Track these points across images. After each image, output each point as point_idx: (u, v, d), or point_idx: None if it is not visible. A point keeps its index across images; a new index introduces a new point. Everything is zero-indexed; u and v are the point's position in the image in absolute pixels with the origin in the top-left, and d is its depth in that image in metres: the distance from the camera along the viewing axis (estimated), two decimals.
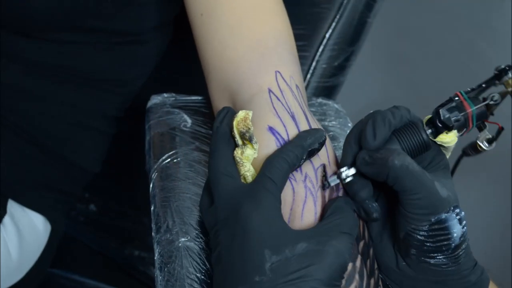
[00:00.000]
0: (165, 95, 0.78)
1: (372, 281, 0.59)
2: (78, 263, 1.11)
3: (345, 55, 0.96)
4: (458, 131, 0.59)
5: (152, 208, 0.66)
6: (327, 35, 0.94)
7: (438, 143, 0.59)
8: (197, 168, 0.69)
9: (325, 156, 0.62)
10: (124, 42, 0.85)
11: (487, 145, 0.62)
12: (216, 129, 0.60)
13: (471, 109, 0.58)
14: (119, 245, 1.11)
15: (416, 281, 0.58)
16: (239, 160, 0.59)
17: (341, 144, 0.78)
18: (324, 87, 0.96)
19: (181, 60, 1.00)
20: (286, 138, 0.61)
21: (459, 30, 1.35)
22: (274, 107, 0.63)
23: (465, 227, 0.56)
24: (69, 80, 0.87)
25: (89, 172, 0.95)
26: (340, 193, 0.61)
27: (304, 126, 0.62)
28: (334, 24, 0.94)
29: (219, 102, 0.69)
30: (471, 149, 0.64)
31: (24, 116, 0.87)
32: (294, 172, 0.59)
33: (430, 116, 0.59)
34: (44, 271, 0.95)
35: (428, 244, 0.56)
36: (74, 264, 1.10)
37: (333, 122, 0.81)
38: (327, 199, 0.60)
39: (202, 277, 0.59)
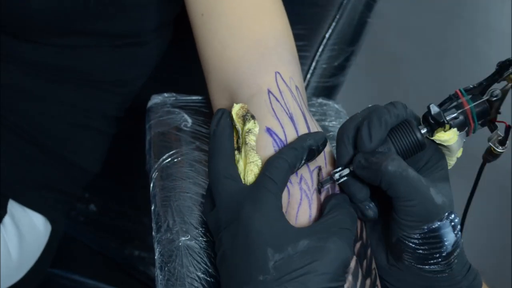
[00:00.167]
0: (166, 94, 0.78)
1: (368, 281, 0.59)
2: (78, 263, 1.11)
3: (345, 55, 0.96)
4: (459, 130, 0.57)
5: (152, 208, 0.66)
6: (327, 35, 0.94)
7: (437, 141, 0.58)
8: (198, 167, 0.69)
9: (321, 158, 0.62)
10: (125, 44, 0.85)
11: (500, 147, 0.59)
12: (213, 131, 0.60)
13: (469, 105, 0.57)
14: (119, 245, 1.11)
15: (408, 284, 0.58)
16: (253, 144, 0.58)
17: None
18: (324, 87, 0.96)
19: (181, 60, 1.00)
20: (283, 139, 0.61)
21: (459, 30, 1.35)
22: (272, 108, 0.63)
23: (458, 233, 0.56)
24: (69, 80, 0.87)
25: (89, 172, 0.95)
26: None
27: (302, 128, 0.62)
28: (334, 24, 0.94)
29: (219, 102, 0.69)
30: (489, 154, 0.61)
31: (24, 116, 0.87)
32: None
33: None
34: (44, 271, 0.95)
35: (419, 251, 0.55)
36: (74, 264, 1.10)
37: (333, 122, 0.81)
38: (322, 201, 0.60)
39: (203, 276, 0.59)
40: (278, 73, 0.65)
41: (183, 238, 0.61)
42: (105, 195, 1.12)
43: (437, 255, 0.55)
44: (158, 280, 0.59)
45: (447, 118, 0.57)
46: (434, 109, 0.57)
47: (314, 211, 0.59)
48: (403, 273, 0.57)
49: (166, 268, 0.59)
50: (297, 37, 0.73)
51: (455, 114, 0.57)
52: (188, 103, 0.77)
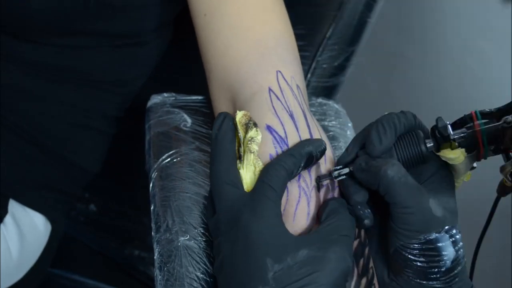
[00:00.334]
0: (165, 94, 0.78)
1: (364, 280, 0.59)
2: (78, 263, 1.11)
3: (345, 55, 0.96)
4: (468, 151, 0.55)
5: (152, 208, 0.66)
6: (327, 35, 0.94)
7: (442, 158, 0.56)
8: (197, 167, 0.69)
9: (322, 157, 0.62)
10: (125, 44, 0.85)
11: (511, 179, 0.55)
12: (215, 136, 0.60)
13: (480, 127, 0.54)
14: (119, 245, 1.11)
15: None
16: (255, 151, 0.59)
17: (341, 144, 0.78)
18: (324, 87, 0.96)
19: (181, 60, 1.00)
20: (284, 136, 0.61)
21: (459, 30, 1.35)
22: (273, 106, 0.63)
23: (460, 250, 0.54)
24: (69, 80, 0.87)
25: (89, 172, 0.94)
26: (336, 194, 0.61)
27: (302, 126, 0.62)
28: (334, 24, 0.93)
29: (220, 102, 0.69)
30: (501, 188, 0.57)
31: (24, 116, 0.87)
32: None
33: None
34: (44, 271, 0.95)
35: (417, 263, 0.54)
36: (74, 264, 1.10)
37: (333, 122, 0.81)
38: (321, 200, 0.60)
39: (202, 276, 0.59)
40: (280, 72, 0.65)
41: (182, 238, 0.61)
42: (105, 195, 1.12)
43: (436, 270, 0.54)
44: (157, 280, 0.59)
45: (455, 136, 0.55)
46: (441, 123, 0.55)
47: (312, 209, 0.59)
48: (399, 287, 0.56)
49: (165, 268, 0.59)
50: (297, 37, 0.73)
51: (464, 134, 0.54)
52: (187, 103, 0.77)
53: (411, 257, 0.54)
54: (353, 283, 0.58)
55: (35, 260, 0.91)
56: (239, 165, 0.59)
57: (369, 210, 0.57)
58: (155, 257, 0.61)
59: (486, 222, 0.63)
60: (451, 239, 0.54)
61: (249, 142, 0.59)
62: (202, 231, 0.63)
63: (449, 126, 0.55)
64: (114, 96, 0.91)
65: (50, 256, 0.94)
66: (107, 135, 0.95)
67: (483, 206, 0.67)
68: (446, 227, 0.54)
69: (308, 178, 0.60)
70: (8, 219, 0.86)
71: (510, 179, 0.55)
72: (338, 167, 0.58)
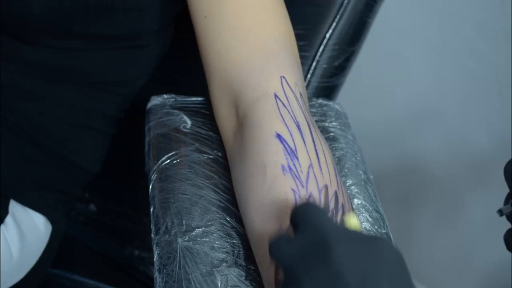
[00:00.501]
0: (165, 96, 0.78)
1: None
2: (78, 263, 1.11)
3: (345, 55, 0.96)
4: None
5: (151, 210, 0.66)
6: (327, 35, 0.94)
7: None
8: (197, 169, 0.69)
9: (327, 174, 0.61)
10: (125, 46, 0.85)
11: None
12: None
13: None
14: (119, 245, 1.11)
15: None
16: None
17: (342, 145, 0.78)
18: (324, 87, 0.96)
19: (181, 60, 1.00)
20: (294, 148, 0.60)
21: (459, 30, 1.35)
22: (281, 114, 0.63)
23: None
24: (69, 81, 0.87)
25: (89, 172, 0.95)
26: (339, 216, 0.60)
27: (308, 140, 0.62)
28: (334, 24, 0.93)
29: (221, 105, 0.69)
30: None
31: (24, 116, 0.87)
32: (300, 188, 0.59)
33: None
34: (45, 271, 0.95)
35: None
36: (74, 264, 1.10)
37: (334, 123, 0.81)
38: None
39: (201, 277, 0.59)
40: (284, 77, 0.65)
41: (181, 240, 0.61)
42: (105, 195, 1.12)
43: None
44: (156, 282, 0.59)
45: None
46: None
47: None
48: None
49: (164, 271, 0.59)
50: (297, 37, 0.73)
51: None
52: (187, 105, 0.77)
53: None
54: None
55: (36, 261, 0.91)
56: None
57: None
58: (154, 259, 0.61)
59: None
60: None
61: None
62: (201, 232, 0.63)
63: None
64: (114, 96, 0.91)
65: (50, 256, 0.95)
66: (107, 135, 0.95)
67: None
68: None
69: (317, 198, 0.59)
70: (9, 219, 0.86)
71: None
72: None
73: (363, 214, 0.72)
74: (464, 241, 1.52)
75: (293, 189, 0.59)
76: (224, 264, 0.61)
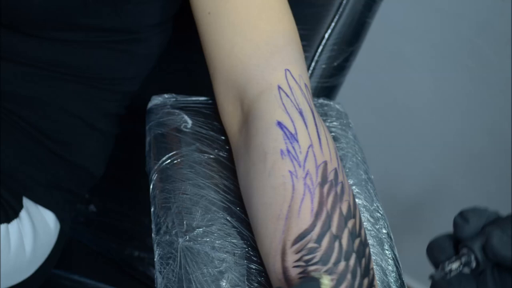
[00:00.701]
0: (166, 95, 0.78)
1: (365, 281, 0.59)
2: (78, 263, 1.11)
3: (344, 56, 0.96)
4: None
5: (152, 209, 0.66)
6: (326, 35, 0.94)
7: None
8: (198, 169, 0.69)
9: (327, 153, 0.62)
10: (124, 40, 0.85)
11: None
12: None
13: None
14: (119, 245, 1.11)
15: None
16: None
17: (342, 145, 0.78)
18: (323, 88, 0.96)
19: (181, 60, 1.00)
20: (294, 132, 0.61)
21: (459, 30, 1.35)
22: (283, 103, 0.64)
23: None
24: (68, 79, 0.87)
25: (94, 174, 0.95)
26: (338, 189, 0.61)
27: (311, 124, 0.63)
28: (333, 24, 0.93)
29: (227, 100, 0.70)
30: None
31: (27, 121, 0.87)
32: (297, 168, 0.60)
33: None
34: (50, 270, 0.95)
35: None
36: (74, 264, 1.10)
37: (334, 123, 0.81)
38: (324, 196, 0.60)
39: (201, 278, 0.59)
40: (288, 70, 0.66)
41: (182, 240, 0.61)
42: (105, 195, 1.12)
43: None
44: (157, 282, 0.59)
45: None
46: None
47: (315, 206, 0.59)
48: None
49: (165, 271, 0.59)
50: None
51: None
52: (188, 104, 0.77)
53: None
54: (356, 283, 0.58)
55: (45, 258, 0.91)
56: None
57: None
58: (155, 259, 0.61)
59: None
60: None
61: None
62: (202, 232, 0.63)
63: None
64: (113, 94, 0.91)
65: (57, 255, 0.94)
66: (108, 135, 0.95)
67: None
68: None
69: (314, 175, 0.60)
70: (23, 214, 0.86)
71: None
72: (451, 260, 0.53)
73: (364, 214, 0.72)
74: None
75: (290, 171, 0.60)
76: (225, 264, 0.61)
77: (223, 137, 0.73)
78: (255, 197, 0.63)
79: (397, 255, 0.70)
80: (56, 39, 0.83)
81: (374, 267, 0.67)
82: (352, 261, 0.58)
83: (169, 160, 0.69)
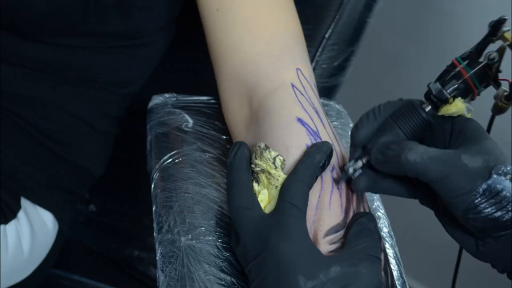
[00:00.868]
0: (167, 95, 0.78)
1: (389, 280, 0.59)
2: (78, 263, 1.11)
3: (344, 55, 0.96)
4: (464, 98, 0.56)
5: (154, 209, 0.66)
6: (327, 35, 0.94)
7: (446, 115, 0.56)
8: (199, 168, 0.69)
9: (345, 152, 0.63)
10: (126, 45, 0.85)
11: (506, 102, 0.56)
12: (230, 163, 0.59)
13: (468, 74, 0.55)
14: (119, 245, 1.11)
15: (507, 260, 0.54)
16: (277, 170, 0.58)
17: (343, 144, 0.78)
18: (323, 87, 0.96)
19: (182, 60, 1.00)
20: (315, 130, 0.62)
21: (459, 30, 1.35)
22: (299, 101, 0.64)
23: None
24: (69, 81, 0.87)
25: (92, 173, 0.95)
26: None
27: (326, 124, 0.64)
28: (333, 24, 0.94)
29: (233, 98, 0.70)
30: (496, 109, 0.58)
31: (27, 121, 0.87)
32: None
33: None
34: (48, 270, 0.95)
35: (493, 215, 0.51)
36: (74, 264, 1.10)
37: (335, 123, 0.81)
38: (350, 193, 0.60)
39: (204, 276, 0.59)
40: (299, 69, 0.67)
41: (184, 239, 0.61)
42: (105, 195, 1.12)
43: (509, 212, 0.51)
44: (159, 281, 0.59)
45: (449, 91, 0.55)
46: (435, 87, 0.56)
47: (344, 202, 0.59)
48: (498, 251, 0.54)
49: (167, 269, 0.59)
50: None
51: (456, 85, 0.55)
52: (189, 104, 0.77)
53: (479, 216, 0.52)
54: (389, 280, 0.58)
55: (43, 258, 0.91)
56: (257, 188, 0.58)
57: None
58: (157, 258, 0.61)
59: None
60: (505, 177, 0.51)
61: (270, 161, 0.58)
62: (203, 231, 0.63)
63: (443, 90, 0.55)
64: (115, 96, 0.91)
65: (55, 255, 0.94)
66: (109, 136, 0.95)
67: None
68: (493, 170, 0.51)
69: (339, 170, 0.61)
70: (21, 214, 0.86)
71: (505, 101, 0.56)
72: (350, 164, 0.58)
73: None
74: None
75: None
76: (227, 262, 0.61)
77: (224, 137, 0.73)
78: None
79: (398, 254, 0.70)
80: (60, 45, 0.83)
81: None
82: (383, 259, 0.58)
83: (170, 159, 0.69)
